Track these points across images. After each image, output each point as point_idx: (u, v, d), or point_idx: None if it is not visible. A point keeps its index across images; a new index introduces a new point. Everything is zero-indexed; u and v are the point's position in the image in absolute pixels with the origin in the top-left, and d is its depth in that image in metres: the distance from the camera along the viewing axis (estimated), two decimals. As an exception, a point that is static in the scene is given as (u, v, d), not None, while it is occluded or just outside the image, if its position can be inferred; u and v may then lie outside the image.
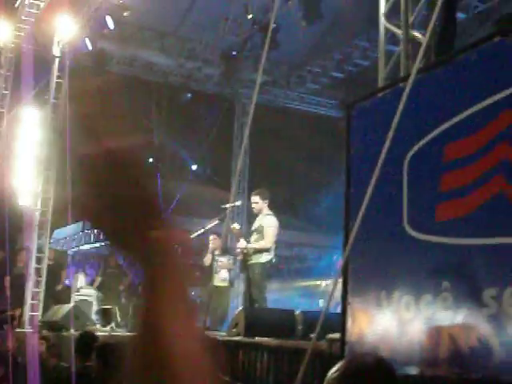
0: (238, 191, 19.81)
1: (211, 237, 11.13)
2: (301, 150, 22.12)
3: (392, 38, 6.40)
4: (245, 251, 9.42)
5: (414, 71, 3.37)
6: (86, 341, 6.91)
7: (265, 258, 9.50)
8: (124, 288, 15.16)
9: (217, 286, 10.65)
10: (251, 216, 10.20)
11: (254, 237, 9.50)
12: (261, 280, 9.44)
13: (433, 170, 3.90)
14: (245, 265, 9.59)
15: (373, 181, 2.90)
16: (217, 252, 11.01)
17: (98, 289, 15.15)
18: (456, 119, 3.78)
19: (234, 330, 7.01)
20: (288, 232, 21.79)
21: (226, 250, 11.03)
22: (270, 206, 9.81)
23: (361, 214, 2.97)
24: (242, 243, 9.52)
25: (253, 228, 9.65)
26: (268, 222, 9.52)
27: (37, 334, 9.81)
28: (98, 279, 15.84)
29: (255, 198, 9.70)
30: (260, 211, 9.64)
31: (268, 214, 9.61)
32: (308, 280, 19.03)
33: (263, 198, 9.66)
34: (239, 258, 9.68)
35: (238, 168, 16.47)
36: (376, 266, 4.23)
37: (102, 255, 19.61)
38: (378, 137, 4.08)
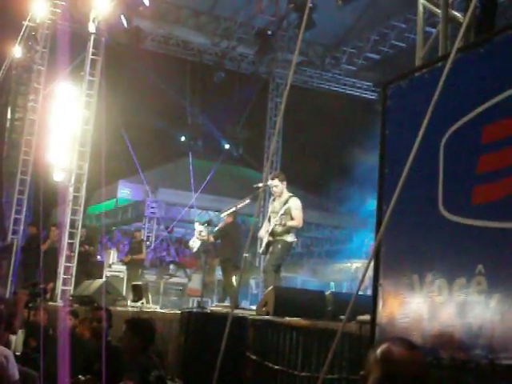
0: (270, 171, 19.80)
1: None
2: (333, 130, 22.01)
3: (429, 20, 6.29)
4: (279, 230, 9.44)
5: (454, 49, 3.30)
6: None
7: (290, 238, 9.61)
8: None
9: None
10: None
11: (282, 218, 9.48)
12: (280, 255, 9.54)
13: (470, 152, 3.82)
14: (267, 246, 9.61)
15: (409, 162, 2.84)
16: None
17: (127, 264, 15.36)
18: (495, 100, 3.69)
19: (264, 308, 7.02)
20: (318, 213, 21.78)
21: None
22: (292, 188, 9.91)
23: (396, 195, 2.92)
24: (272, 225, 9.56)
25: (281, 211, 9.51)
26: (295, 205, 9.60)
27: (68, 308, 9.95)
28: (129, 257, 15.99)
29: (275, 182, 9.72)
30: (281, 193, 9.68)
31: (291, 196, 9.67)
32: (338, 262, 18.98)
33: (281, 180, 9.73)
34: (265, 239, 9.65)
35: (271, 148, 16.32)
36: (409, 249, 4.17)
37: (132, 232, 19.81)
38: (414, 117, 4.01)
